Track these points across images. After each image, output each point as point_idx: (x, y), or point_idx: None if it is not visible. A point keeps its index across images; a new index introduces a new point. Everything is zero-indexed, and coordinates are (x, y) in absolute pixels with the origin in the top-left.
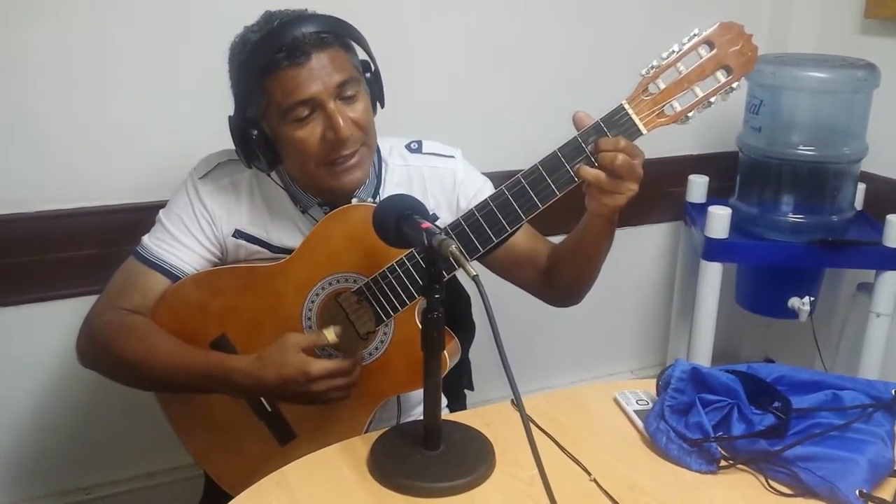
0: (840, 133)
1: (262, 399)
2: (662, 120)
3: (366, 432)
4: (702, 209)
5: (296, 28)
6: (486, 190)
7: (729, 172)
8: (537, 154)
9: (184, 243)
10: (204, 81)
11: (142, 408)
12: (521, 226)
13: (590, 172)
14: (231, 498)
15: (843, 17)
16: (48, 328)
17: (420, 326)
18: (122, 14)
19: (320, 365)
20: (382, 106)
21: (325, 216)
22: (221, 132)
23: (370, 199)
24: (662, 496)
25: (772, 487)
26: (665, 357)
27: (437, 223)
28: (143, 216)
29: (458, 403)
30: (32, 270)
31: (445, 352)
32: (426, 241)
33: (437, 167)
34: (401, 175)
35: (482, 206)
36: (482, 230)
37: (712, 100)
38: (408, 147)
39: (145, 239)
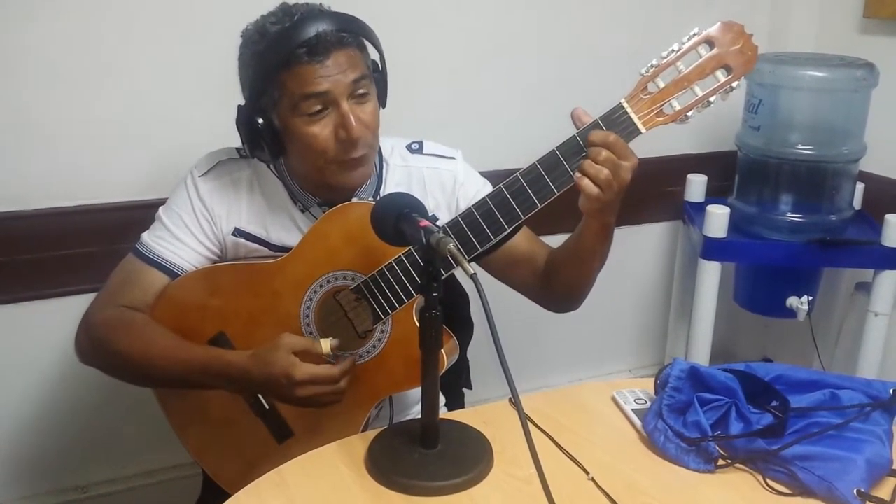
0: (839, 132)
1: (260, 396)
2: (661, 119)
3: (363, 431)
4: (700, 208)
5: (318, 25)
6: (486, 192)
7: (727, 171)
8: (536, 153)
9: (183, 241)
10: (204, 80)
11: (140, 406)
12: (519, 225)
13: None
14: (229, 496)
15: (842, 16)
16: (47, 326)
17: (418, 325)
18: (122, 12)
19: (305, 370)
20: (384, 106)
21: (324, 214)
22: (221, 130)
23: (370, 199)
24: (660, 495)
25: (770, 487)
26: (663, 356)
27: (437, 224)
28: (142, 214)
29: (456, 402)
30: (31, 268)
31: (443, 350)
32: (424, 240)
33: (437, 168)
34: (401, 175)
35: (481, 204)
36: (481, 229)
37: (712, 99)
38: (409, 147)
39: (145, 236)
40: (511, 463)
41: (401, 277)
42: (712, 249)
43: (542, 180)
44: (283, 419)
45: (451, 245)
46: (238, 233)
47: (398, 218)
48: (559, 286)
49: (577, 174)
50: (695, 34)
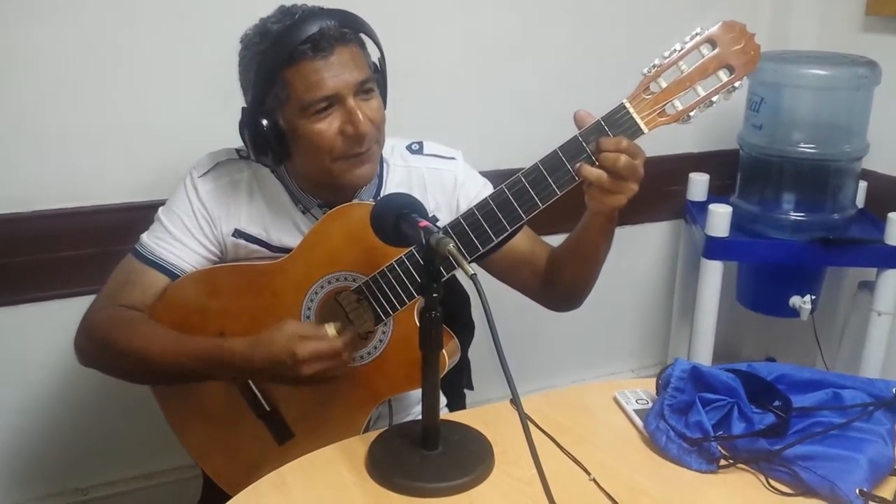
0: (841, 130)
1: (260, 397)
2: (664, 119)
3: (364, 432)
4: (702, 207)
5: (320, 21)
6: (486, 191)
7: (729, 170)
8: (537, 153)
9: (183, 242)
10: (204, 81)
11: (140, 409)
12: (521, 225)
13: (591, 172)
14: (229, 498)
15: (844, 14)
16: (46, 328)
17: (419, 325)
18: (123, 13)
19: (308, 346)
20: (384, 107)
21: (325, 215)
22: (221, 132)
23: (371, 200)
24: (662, 496)
25: (772, 487)
26: (665, 356)
27: (437, 224)
28: (142, 215)
29: (457, 403)
30: (30, 270)
31: (444, 351)
32: (424, 240)
33: (437, 168)
34: (401, 176)
35: (482, 205)
36: (482, 229)
37: (714, 99)
38: (409, 148)
39: (144, 237)
40: (512, 464)
41: (402, 278)
42: (714, 249)
43: (544, 181)
44: (284, 421)
45: (451, 245)
46: (238, 234)
47: (398, 218)
48: (562, 285)
49: (595, 190)
50: (697, 34)
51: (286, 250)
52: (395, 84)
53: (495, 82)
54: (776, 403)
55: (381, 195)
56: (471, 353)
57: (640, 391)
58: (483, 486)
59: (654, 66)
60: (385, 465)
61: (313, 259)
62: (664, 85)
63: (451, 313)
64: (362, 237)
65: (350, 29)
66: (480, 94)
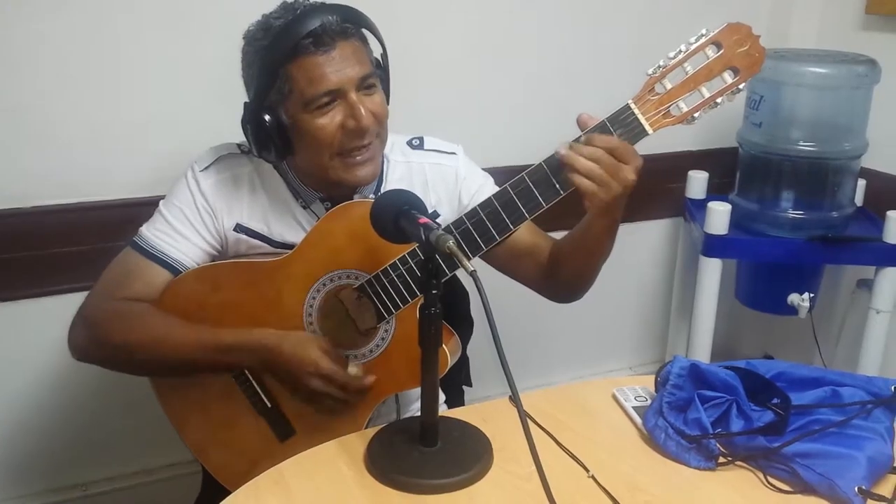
0: (840, 129)
1: (262, 393)
2: (668, 120)
3: (365, 429)
4: (701, 205)
5: (321, 16)
6: (488, 186)
7: (729, 168)
8: (538, 149)
9: (185, 235)
10: (204, 77)
11: (140, 404)
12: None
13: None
14: (229, 494)
15: (843, 12)
16: (46, 324)
17: (418, 322)
18: (123, 10)
19: (331, 365)
20: (387, 101)
21: (327, 213)
22: (221, 128)
23: (372, 196)
24: (661, 493)
25: (770, 484)
26: (664, 354)
27: (439, 220)
28: (142, 212)
29: (456, 400)
30: (30, 265)
31: (446, 349)
32: (423, 237)
33: (439, 164)
34: (402, 171)
35: (486, 204)
36: (486, 228)
37: (719, 100)
38: (409, 143)
39: (144, 230)
40: (511, 460)
41: (404, 276)
42: (713, 246)
43: (547, 182)
44: (286, 417)
45: (451, 242)
46: (239, 228)
47: (397, 215)
48: (564, 277)
49: (576, 177)
50: (702, 35)
51: (287, 245)
52: (396, 80)
53: (497, 79)
54: (775, 401)
55: (382, 191)
56: (470, 350)
57: (638, 388)
58: (482, 482)
59: (659, 67)
60: (384, 461)
61: (315, 257)
62: (669, 86)
63: (450, 309)
64: (364, 235)
65: (352, 24)
66: (482, 90)
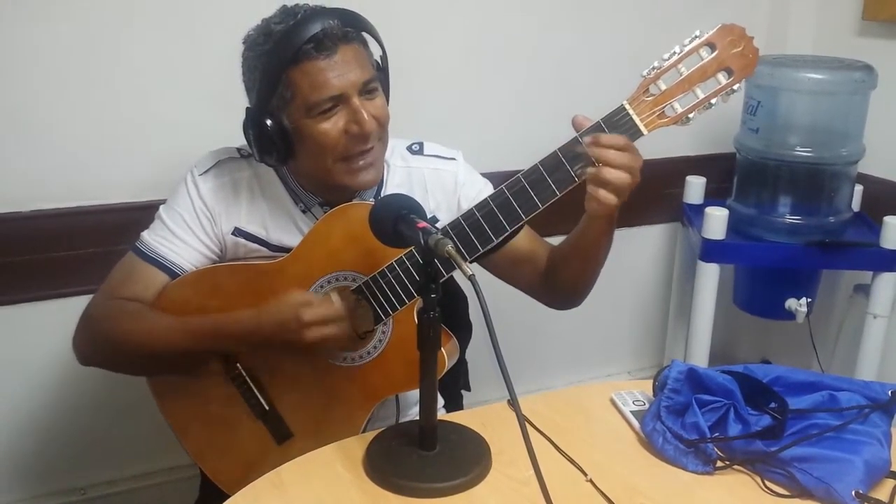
0: (837, 134)
1: (259, 396)
2: (663, 121)
3: (363, 432)
4: (699, 210)
5: (322, 20)
6: (487, 192)
7: (726, 174)
8: (536, 154)
9: (184, 240)
10: (203, 81)
11: (138, 408)
12: (521, 226)
13: (589, 170)
14: (228, 497)
15: (840, 19)
16: (46, 327)
17: (417, 326)
18: (122, 13)
19: (313, 310)
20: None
21: (325, 214)
22: (222, 132)
23: (372, 200)
24: (659, 497)
25: (768, 488)
26: (662, 358)
27: (437, 225)
28: (141, 215)
29: (454, 404)
30: (30, 269)
31: (444, 351)
32: (422, 241)
33: (438, 169)
34: (402, 176)
35: (482, 205)
36: (482, 230)
37: (713, 101)
38: (409, 148)
39: (145, 235)
40: (509, 464)
41: (401, 278)
42: (711, 251)
43: (543, 182)
44: (283, 420)
45: (450, 246)
46: (238, 232)
47: (396, 219)
48: (563, 283)
49: (591, 186)
50: (696, 37)
51: (285, 249)
52: (395, 84)
53: (495, 83)
54: (772, 405)
55: (382, 196)
56: (468, 354)
57: (636, 392)
58: (480, 486)
59: (653, 69)
60: (383, 465)
61: (313, 258)
62: (664, 87)
63: (448, 313)
64: (362, 237)
65: (353, 28)
66: (480, 94)
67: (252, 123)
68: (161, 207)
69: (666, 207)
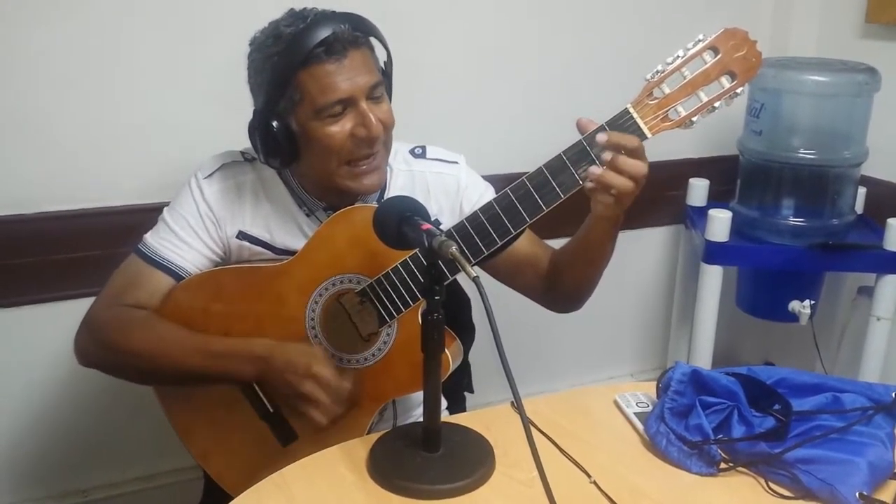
0: (841, 137)
1: (264, 398)
2: (667, 124)
3: (367, 434)
4: (702, 213)
5: (333, 24)
6: (489, 195)
7: (729, 176)
8: (540, 157)
9: (188, 243)
10: (207, 84)
11: (142, 410)
12: (524, 229)
13: (594, 171)
14: (231, 499)
15: (843, 21)
16: (49, 329)
17: (421, 328)
18: (126, 15)
19: (323, 368)
20: None
21: (329, 217)
22: (226, 134)
23: (375, 203)
24: (662, 498)
25: (772, 490)
26: (665, 360)
27: (440, 228)
28: (145, 217)
29: (458, 406)
30: (34, 272)
31: (448, 353)
32: (426, 243)
33: (440, 173)
34: (404, 180)
35: (486, 208)
36: (486, 232)
37: (717, 104)
38: (412, 152)
39: (148, 237)
40: (513, 466)
41: (406, 280)
42: (714, 254)
43: (548, 185)
44: (288, 423)
45: (454, 248)
46: (242, 236)
47: (400, 221)
48: (565, 287)
49: (592, 184)
50: (699, 40)
51: (290, 253)
52: (398, 89)
53: (498, 86)
54: (776, 407)
55: (385, 199)
56: (471, 356)
57: (640, 394)
58: (484, 488)
59: (657, 72)
60: (386, 466)
61: (317, 261)
62: (667, 91)
63: (452, 316)
64: (366, 240)
65: (362, 33)
66: (483, 97)
67: (259, 125)
68: (164, 210)
69: (669, 210)
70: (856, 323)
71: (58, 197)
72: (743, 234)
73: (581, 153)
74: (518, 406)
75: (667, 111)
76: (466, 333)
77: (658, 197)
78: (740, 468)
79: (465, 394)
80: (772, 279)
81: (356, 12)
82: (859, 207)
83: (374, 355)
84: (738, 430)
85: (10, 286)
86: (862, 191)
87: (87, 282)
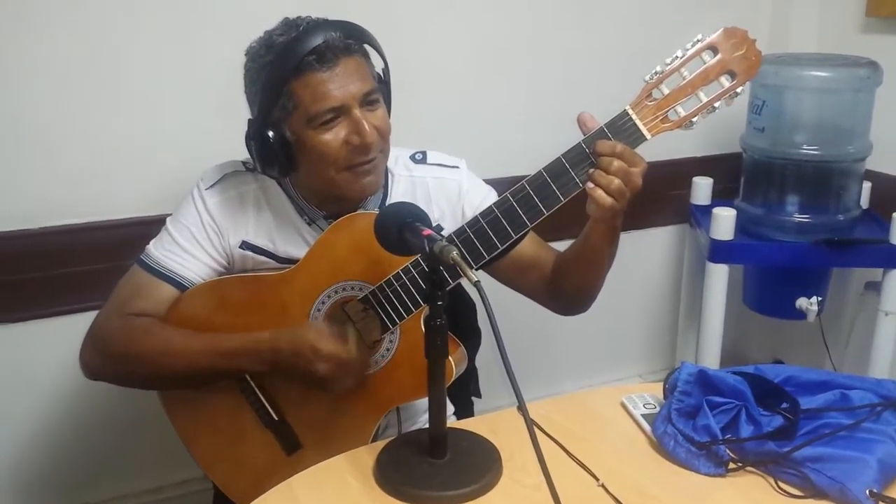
0: (844, 132)
1: (268, 406)
2: (667, 125)
3: (372, 441)
4: (707, 211)
5: (325, 32)
6: (491, 199)
7: (733, 174)
8: (541, 159)
9: (192, 254)
10: (208, 96)
11: (148, 422)
12: (526, 232)
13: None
14: None
15: (844, 16)
16: (54, 344)
17: (424, 334)
18: (127, 29)
19: (329, 346)
20: (388, 115)
21: (331, 225)
22: (226, 145)
23: (376, 210)
24: (671, 500)
25: (781, 489)
26: (673, 360)
27: (442, 233)
28: (147, 230)
29: (465, 411)
30: (38, 286)
31: (452, 359)
32: (427, 248)
33: (442, 178)
34: (406, 186)
35: (487, 212)
36: (487, 237)
37: (716, 105)
38: (412, 158)
39: (151, 248)
40: (520, 470)
41: (408, 287)
42: (720, 252)
43: (548, 188)
44: (292, 430)
45: (455, 253)
46: (245, 246)
47: (401, 227)
48: (569, 289)
49: (589, 184)
50: (698, 40)
51: (293, 261)
52: (397, 93)
53: (498, 89)
54: (784, 405)
55: (386, 205)
56: (478, 361)
57: (647, 395)
58: (491, 493)
59: (656, 73)
60: (393, 473)
61: (319, 269)
62: (666, 91)
63: (456, 321)
64: (367, 247)
65: (354, 40)
66: (483, 102)
67: (254, 135)
68: (168, 220)
69: (673, 209)
70: (864, 318)
71: (60, 211)
72: (748, 232)
73: (580, 155)
74: (521, 409)
75: (666, 112)
76: (472, 338)
77: (662, 196)
78: (749, 468)
79: (473, 399)
80: (778, 276)
81: (351, 19)
82: (864, 202)
83: (377, 362)
84: (746, 430)
85: (14, 301)
86: (867, 185)
87: (91, 295)
